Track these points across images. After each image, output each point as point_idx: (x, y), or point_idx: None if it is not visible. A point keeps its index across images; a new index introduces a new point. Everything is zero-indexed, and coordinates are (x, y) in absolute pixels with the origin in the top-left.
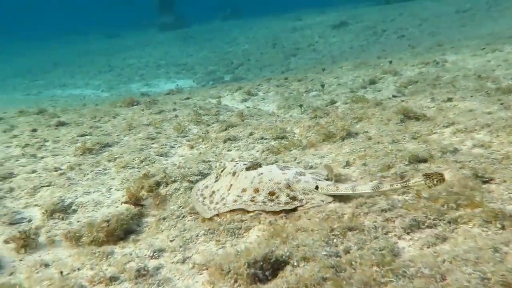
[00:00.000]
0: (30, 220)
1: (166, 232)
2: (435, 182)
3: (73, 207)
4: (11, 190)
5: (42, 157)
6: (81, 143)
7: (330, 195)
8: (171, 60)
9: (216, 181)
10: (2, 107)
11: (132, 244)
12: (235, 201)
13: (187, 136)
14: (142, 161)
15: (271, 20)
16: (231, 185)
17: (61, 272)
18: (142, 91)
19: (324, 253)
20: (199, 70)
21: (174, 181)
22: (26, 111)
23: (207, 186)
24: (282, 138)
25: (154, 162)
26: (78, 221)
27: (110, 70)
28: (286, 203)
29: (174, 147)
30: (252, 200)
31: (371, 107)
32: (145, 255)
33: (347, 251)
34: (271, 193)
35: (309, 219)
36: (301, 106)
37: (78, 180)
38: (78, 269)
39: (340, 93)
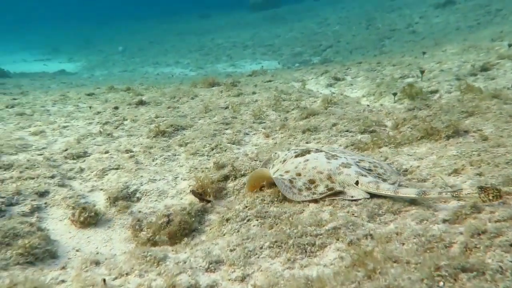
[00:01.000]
0: (94, 206)
1: (228, 237)
2: (490, 198)
3: (137, 195)
4: (81, 170)
5: (118, 137)
6: (155, 125)
7: (369, 193)
8: (258, 40)
9: (271, 168)
10: (98, 82)
11: (189, 249)
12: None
13: (264, 122)
14: (213, 149)
15: None
16: (277, 169)
17: (104, 280)
18: (227, 72)
19: None
20: (286, 52)
21: (243, 175)
22: (115, 87)
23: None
24: (371, 132)
25: (225, 151)
26: (139, 211)
27: (199, 50)
28: (321, 194)
29: (248, 134)
30: (291, 182)
31: (485, 99)
32: (200, 266)
33: None
34: (311, 181)
35: (404, 244)
36: (394, 94)
37: (146, 165)
38: (126, 274)
39: (442, 81)
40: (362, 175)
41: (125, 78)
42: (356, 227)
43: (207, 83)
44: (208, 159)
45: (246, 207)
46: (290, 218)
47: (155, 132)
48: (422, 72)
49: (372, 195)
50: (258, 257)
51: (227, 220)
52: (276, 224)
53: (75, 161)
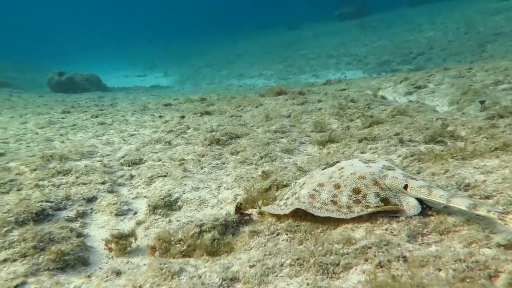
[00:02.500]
0: (135, 213)
1: (253, 252)
2: None
3: (178, 203)
4: (132, 177)
5: (176, 145)
6: (211, 134)
7: (419, 199)
8: (343, 50)
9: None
10: (184, 94)
11: (210, 263)
12: (312, 196)
13: (324, 131)
14: (262, 158)
15: (468, 1)
16: (304, 183)
17: None
18: (310, 82)
19: None
20: (372, 61)
21: (285, 186)
22: (191, 98)
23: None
24: (438, 142)
25: (274, 160)
26: (178, 220)
27: (283, 61)
28: (377, 207)
29: (304, 143)
30: (333, 201)
31: None
32: (213, 282)
33: None
34: (356, 191)
35: (440, 270)
36: (482, 102)
37: (194, 173)
38: (139, 287)
39: None
40: (412, 178)
41: (209, 90)
42: (390, 248)
43: (274, 92)
44: (256, 168)
45: (278, 219)
46: (322, 234)
47: (210, 140)
48: None
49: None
50: (277, 276)
51: (257, 233)
52: (307, 240)
53: (130, 167)
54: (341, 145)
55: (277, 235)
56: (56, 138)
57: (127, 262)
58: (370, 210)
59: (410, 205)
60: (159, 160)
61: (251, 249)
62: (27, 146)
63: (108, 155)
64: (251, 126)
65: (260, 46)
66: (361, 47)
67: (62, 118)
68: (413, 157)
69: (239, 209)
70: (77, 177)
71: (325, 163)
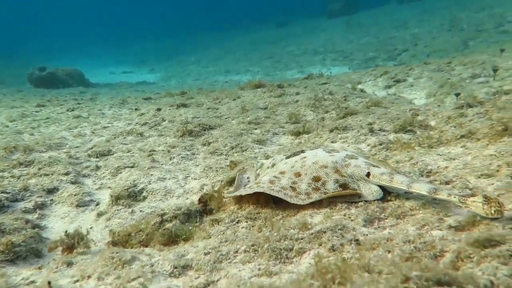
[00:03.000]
0: (98, 204)
1: (212, 240)
2: (492, 211)
3: (143, 194)
4: (97, 168)
5: (148, 136)
6: (183, 125)
7: (381, 186)
8: (330, 47)
9: (255, 177)
10: (168, 89)
11: (165, 252)
12: (272, 181)
13: (298, 123)
14: (232, 148)
15: None
16: (266, 173)
17: (49, 283)
18: (296, 78)
19: None
20: (357, 57)
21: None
22: (172, 93)
23: (248, 178)
24: (408, 131)
25: (245, 150)
26: (141, 211)
27: (270, 57)
28: (334, 192)
29: (277, 134)
30: (292, 188)
31: None
32: (164, 270)
33: None
34: (316, 179)
35: (389, 252)
36: (457, 94)
37: (162, 164)
38: (88, 277)
39: None
40: (374, 166)
41: (195, 86)
42: (345, 232)
43: (253, 85)
44: (226, 159)
45: (240, 207)
46: (281, 220)
47: (182, 131)
48: (495, 70)
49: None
50: (230, 262)
51: (218, 221)
52: (266, 227)
53: (97, 159)
54: (313, 135)
55: (237, 222)
56: (26, 131)
57: (82, 253)
58: (327, 195)
59: (372, 190)
60: (128, 152)
61: (210, 237)
62: None
63: (77, 147)
64: (226, 118)
65: (249, 43)
66: (348, 44)
67: (36, 112)
68: (381, 146)
69: (202, 201)
70: (39, 168)
71: (291, 153)
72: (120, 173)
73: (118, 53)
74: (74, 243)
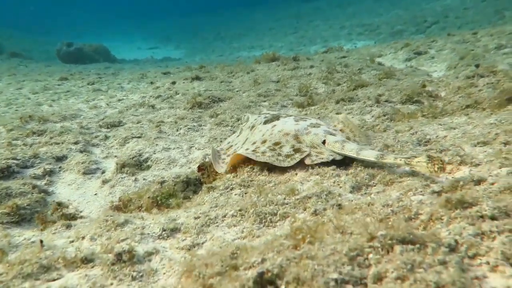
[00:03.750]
0: (103, 172)
1: (206, 206)
2: (435, 169)
3: (148, 163)
4: (106, 138)
5: (160, 108)
6: (193, 97)
7: (335, 153)
8: (357, 20)
9: (238, 135)
10: (185, 65)
11: (158, 216)
12: (247, 149)
13: (306, 95)
14: (238, 120)
15: None
16: (246, 139)
17: (41, 241)
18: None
19: (334, 276)
20: (384, 30)
21: None
22: (191, 67)
23: (229, 142)
24: (415, 102)
25: None
26: (144, 179)
27: (294, 33)
28: (287, 156)
29: (286, 106)
30: (254, 150)
31: None
32: (154, 233)
33: (379, 279)
34: (276, 143)
35: (367, 215)
36: (477, 66)
37: (169, 135)
38: (82, 238)
39: None
40: (331, 134)
41: (218, 61)
42: (330, 197)
43: (267, 58)
44: (231, 130)
45: (235, 176)
46: (272, 187)
47: (192, 103)
48: None
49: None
50: (217, 226)
51: (213, 189)
52: (257, 195)
53: (107, 129)
54: (319, 106)
55: (231, 190)
56: (46, 103)
57: (81, 217)
58: (280, 158)
59: (324, 154)
60: (138, 123)
61: (204, 204)
62: (16, 110)
63: (90, 118)
64: (238, 91)
65: (274, 19)
66: (375, 17)
67: (58, 85)
68: (385, 117)
69: (202, 169)
70: (51, 137)
71: (270, 116)
72: (127, 143)
73: (144, 29)
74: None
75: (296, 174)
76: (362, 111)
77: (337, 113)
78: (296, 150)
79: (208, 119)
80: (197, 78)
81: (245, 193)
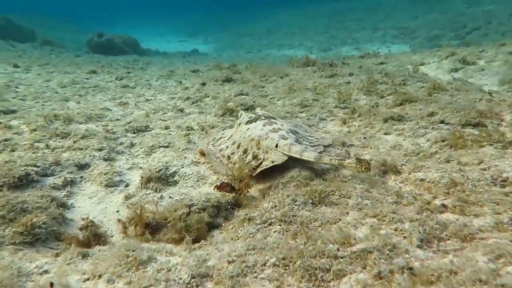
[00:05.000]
0: (127, 185)
1: (239, 243)
2: (362, 169)
3: (175, 177)
4: (132, 145)
5: (189, 113)
6: (224, 103)
7: (285, 155)
8: (391, 22)
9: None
10: (215, 62)
11: (186, 253)
12: (221, 150)
13: (348, 107)
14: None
15: None
16: (231, 135)
17: (51, 284)
18: (351, 55)
19: None
20: (421, 34)
21: (293, 167)
22: (220, 65)
23: (221, 136)
24: (477, 125)
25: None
26: (170, 197)
27: (325, 32)
28: (248, 163)
29: (325, 119)
30: (229, 157)
31: None
32: (180, 279)
33: None
34: (245, 151)
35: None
36: None
37: (198, 146)
38: (99, 276)
39: None
40: (284, 138)
41: (246, 59)
42: (395, 254)
43: (302, 62)
44: None
45: (274, 206)
46: (319, 228)
47: (224, 110)
48: None
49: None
50: (256, 278)
51: (249, 220)
52: (301, 234)
53: (134, 134)
54: (364, 124)
55: (269, 225)
56: (73, 99)
57: (100, 243)
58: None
59: (276, 156)
60: (166, 129)
61: (238, 239)
62: (42, 105)
63: (116, 119)
64: (272, 98)
65: (304, 17)
66: (411, 20)
67: (87, 79)
68: (444, 143)
69: (228, 187)
70: (74, 141)
71: (252, 117)
72: (154, 152)
73: (174, 23)
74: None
75: (348, 213)
76: (415, 133)
77: (385, 134)
78: (255, 157)
79: None
80: (228, 80)
81: (286, 231)
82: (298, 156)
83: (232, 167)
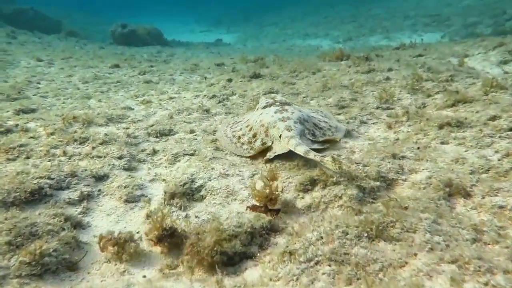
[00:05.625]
0: (149, 200)
1: (281, 282)
2: (336, 167)
3: (201, 192)
4: (154, 153)
5: (215, 114)
6: (252, 102)
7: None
8: (423, 10)
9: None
10: (240, 52)
11: None
12: (234, 131)
13: (392, 108)
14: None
15: None
16: (247, 119)
17: None
18: (380, 45)
19: None
20: (455, 22)
21: (336, 183)
22: (246, 58)
23: (241, 120)
24: None
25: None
26: (196, 216)
27: (352, 21)
28: (252, 149)
29: (366, 123)
30: (239, 138)
31: None
32: None
33: None
34: (254, 135)
35: None
36: None
37: (226, 153)
38: None
39: None
40: (289, 130)
41: (271, 49)
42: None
43: (334, 56)
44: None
45: (320, 238)
46: (380, 274)
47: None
48: None
49: None
50: None
51: (290, 254)
52: (358, 279)
53: (157, 139)
54: (414, 129)
55: (316, 264)
56: (95, 96)
57: (121, 272)
58: (252, 151)
59: (279, 147)
60: (191, 133)
61: (279, 280)
62: (63, 103)
63: (139, 121)
64: (304, 97)
65: (329, 5)
66: (444, 6)
67: (109, 74)
68: None
69: (263, 208)
70: (93, 148)
71: (270, 101)
72: (178, 161)
73: (197, 11)
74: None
75: (415, 254)
76: (480, 143)
77: (442, 142)
78: (264, 144)
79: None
80: (256, 76)
81: (338, 274)
82: (293, 149)
83: (240, 145)
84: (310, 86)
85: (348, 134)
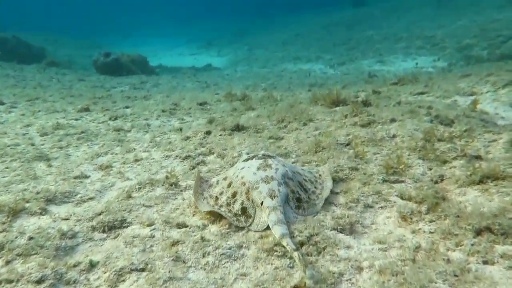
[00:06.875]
0: None
1: None
2: (302, 268)
3: None
4: (92, 267)
5: (185, 188)
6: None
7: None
8: (416, 31)
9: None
10: (231, 81)
11: None
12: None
13: (402, 181)
14: (303, 244)
15: None
16: (226, 170)
17: None
18: (373, 69)
19: None
20: (449, 45)
21: None
22: (232, 95)
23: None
24: None
25: (320, 253)
26: None
27: (344, 44)
28: (235, 215)
29: (372, 207)
30: (216, 198)
31: None
32: None
33: None
34: (234, 194)
35: None
36: None
37: (190, 266)
38: None
39: None
40: (271, 197)
41: (261, 75)
42: None
43: (329, 100)
44: (288, 274)
45: None
46: None
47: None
48: None
49: None
50: None
51: None
52: None
53: (103, 235)
54: (439, 231)
55: None
56: (49, 155)
57: None
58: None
59: (260, 220)
60: (149, 225)
61: None
62: (6, 168)
63: (89, 199)
64: (294, 163)
65: (321, 26)
66: (437, 28)
67: (76, 120)
68: None
69: None
70: (6, 262)
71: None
72: (122, 281)
73: (187, 33)
74: None
75: None
76: None
77: (485, 262)
78: (243, 210)
79: (252, 234)
80: (238, 128)
81: None
82: (271, 227)
83: (217, 207)
84: (301, 143)
85: (346, 229)
